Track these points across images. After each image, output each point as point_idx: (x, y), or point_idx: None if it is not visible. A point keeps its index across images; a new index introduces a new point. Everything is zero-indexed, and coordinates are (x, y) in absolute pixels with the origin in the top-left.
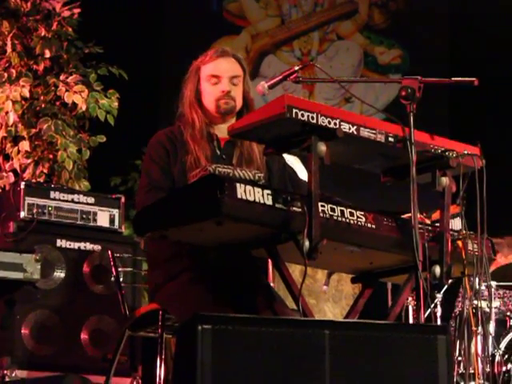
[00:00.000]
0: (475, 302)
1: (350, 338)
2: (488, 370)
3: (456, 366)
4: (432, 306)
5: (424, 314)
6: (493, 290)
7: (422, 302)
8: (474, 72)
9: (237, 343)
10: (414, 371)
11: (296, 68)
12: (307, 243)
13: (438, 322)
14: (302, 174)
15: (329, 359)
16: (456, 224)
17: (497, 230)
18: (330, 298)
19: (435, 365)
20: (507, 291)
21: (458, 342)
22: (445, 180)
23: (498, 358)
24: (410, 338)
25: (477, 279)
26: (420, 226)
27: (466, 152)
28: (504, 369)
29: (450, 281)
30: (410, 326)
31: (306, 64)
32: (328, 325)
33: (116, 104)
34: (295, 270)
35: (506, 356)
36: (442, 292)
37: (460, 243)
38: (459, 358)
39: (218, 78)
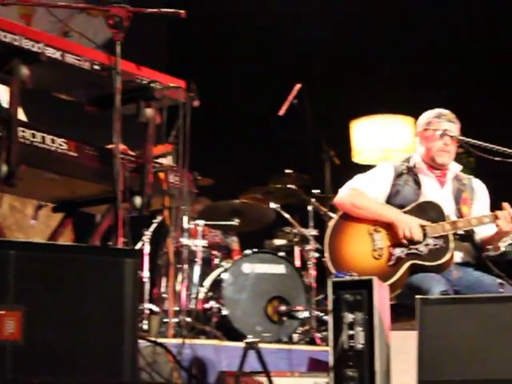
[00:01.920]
0: (182, 240)
1: (36, 259)
2: (191, 307)
3: (162, 304)
4: (140, 243)
5: (121, 241)
6: (200, 228)
7: (120, 231)
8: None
9: None
10: (101, 291)
11: None
12: (5, 168)
13: (146, 259)
14: None
15: (14, 280)
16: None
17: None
18: (40, 233)
19: (122, 286)
20: (214, 230)
21: (163, 280)
22: (149, 111)
23: (201, 295)
24: (97, 260)
25: (185, 218)
26: (122, 156)
27: (171, 85)
28: (207, 306)
29: (157, 221)
30: (99, 249)
31: None
32: (14, 245)
33: None
34: (4, 205)
35: (210, 294)
36: (150, 229)
37: (162, 175)
38: (164, 296)
39: None
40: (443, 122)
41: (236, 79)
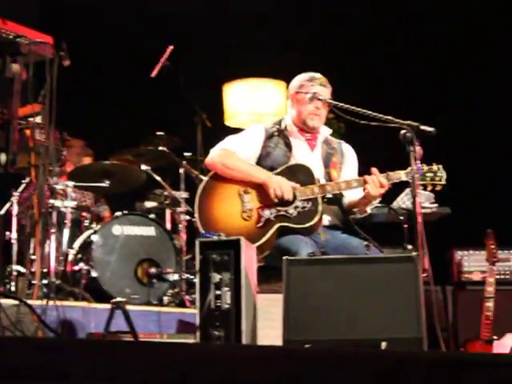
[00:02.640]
0: (51, 201)
1: None
2: (60, 268)
3: (30, 265)
4: (9, 204)
5: None
6: (69, 189)
7: None
8: None
9: None
10: None
11: None
12: None
13: (14, 220)
14: None
15: None
16: None
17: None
18: None
19: None
20: (84, 191)
21: (32, 241)
22: (15, 67)
23: (70, 257)
24: None
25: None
26: None
27: (38, 40)
28: (76, 268)
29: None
30: None
31: None
32: None
33: None
34: None
35: (79, 256)
36: (19, 190)
37: (28, 132)
38: (33, 257)
39: None
40: (315, 86)
41: (108, 39)
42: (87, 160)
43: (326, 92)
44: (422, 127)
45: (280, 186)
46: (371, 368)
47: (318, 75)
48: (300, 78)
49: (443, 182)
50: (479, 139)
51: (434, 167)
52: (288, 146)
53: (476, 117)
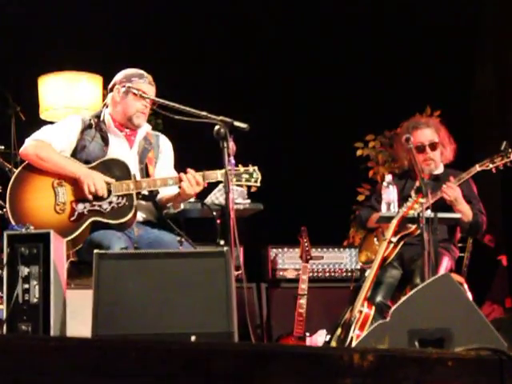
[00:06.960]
0: None
1: None
2: None
3: None
4: None
5: None
6: None
7: None
8: None
9: None
10: None
11: None
12: None
13: None
14: None
15: None
16: None
17: None
18: None
19: None
20: None
21: None
22: None
23: None
24: None
25: None
26: None
27: None
28: None
29: None
30: None
31: None
32: None
33: None
34: None
35: None
36: None
37: None
38: None
39: None
40: (145, 84)
41: None
42: None
43: (153, 91)
44: (236, 123)
45: (94, 182)
46: (180, 358)
47: (145, 73)
48: (129, 74)
49: (258, 183)
50: (294, 136)
51: (250, 169)
52: (104, 140)
53: (292, 115)
